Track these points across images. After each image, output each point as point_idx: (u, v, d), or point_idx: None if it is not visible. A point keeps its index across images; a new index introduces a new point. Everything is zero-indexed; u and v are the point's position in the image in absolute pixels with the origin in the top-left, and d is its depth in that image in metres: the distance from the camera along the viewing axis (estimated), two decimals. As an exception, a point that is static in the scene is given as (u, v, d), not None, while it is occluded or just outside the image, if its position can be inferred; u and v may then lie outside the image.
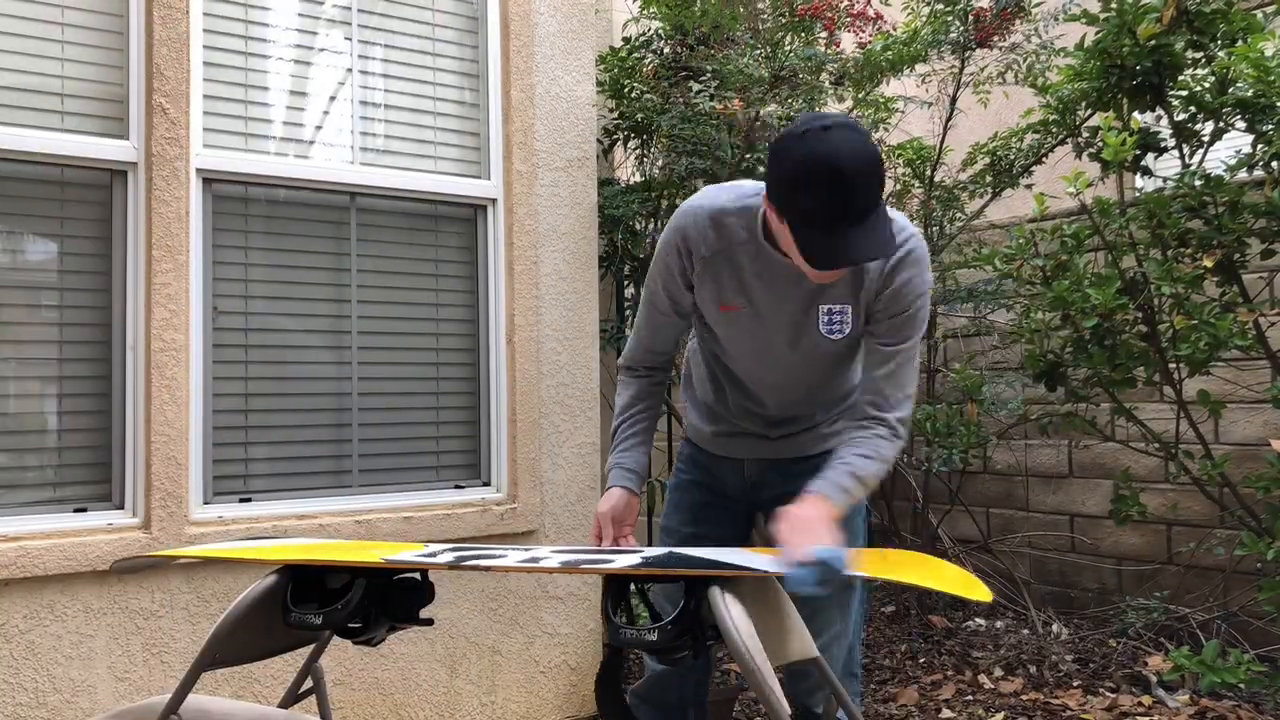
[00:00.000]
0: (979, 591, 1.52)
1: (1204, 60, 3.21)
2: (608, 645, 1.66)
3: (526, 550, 1.92)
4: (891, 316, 1.84)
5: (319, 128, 3.12)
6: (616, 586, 1.60)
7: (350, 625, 1.82)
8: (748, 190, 1.90)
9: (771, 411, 2.07)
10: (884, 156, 4.52)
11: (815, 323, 1.89)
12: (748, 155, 3.99)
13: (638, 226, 4.14)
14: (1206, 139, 3.27)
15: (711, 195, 1.92)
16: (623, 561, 1.62)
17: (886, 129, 4.41)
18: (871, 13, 4.04)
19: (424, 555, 1.84)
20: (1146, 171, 3.38)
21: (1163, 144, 3.32)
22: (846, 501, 1.74)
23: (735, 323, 1.94)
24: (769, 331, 1.93)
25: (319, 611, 1.75)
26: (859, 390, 1.94)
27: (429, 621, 2.00)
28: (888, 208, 1.72)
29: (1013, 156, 4.15)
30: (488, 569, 1.70)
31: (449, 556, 1.79)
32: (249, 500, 2.94)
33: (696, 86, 3.76)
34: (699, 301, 1.97)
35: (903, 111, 4.38)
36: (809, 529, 1.55)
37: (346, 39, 3.18)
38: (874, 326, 1.87)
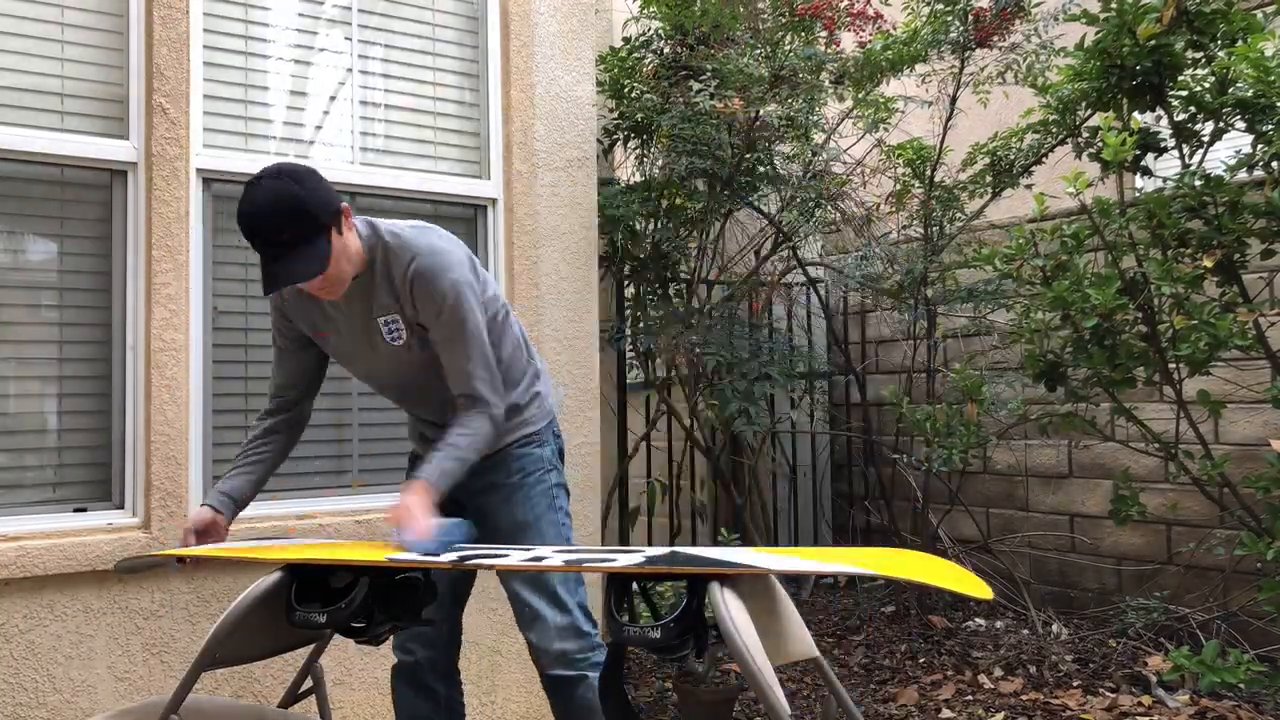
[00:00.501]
0: (979, 589, 1.52)
1: (1204, 60, 3.21)
2: (611, 643, 1.67)
3: (528, 550, 1.92)
4: (436, 318, 2.11)
5: (319, 128, 3.12)
6: (619, 585, 1.60)
7: (353, 624, 1.82)
8: None
9: (421, 419, 2.36)
10: (885, 155, 4.53)
11: (380, 333, 2.17)
12: (748, 155, 4.00)
13: (638, 226, 4.15)
14: (1206, 139, 3.27)
15: None
16: (625, 560, 1.63)
17: (886, 129, 4.41)
18: (871, 12, 4.05)
19: (426, 555, 1.84)
20: (1146, 171, 3.38)
21: (1163, 144, 3.32)
22: (452, 479, 2.05)
23: (330, 345, 2.25)
24: (354, 346, 2.22)
25: (323, 610, 1.76)
26: (450, 384, 2.17)
27: (431, 621, 2.00)
28: (404, 225, 2.14)
29: (1013, 156, 4.15)
30: (491, 568, 1.70)
31: (452, 556, 1.80)
32: (249, 500, 2.94)
33: (697, 86, 3.77)
34: (303, 330, 2.25)
35: (903, 111, 4.38)
36: (410, 514, 1.92)
37: (346, 39, 3.18)
38: (433, 333, 2.13)
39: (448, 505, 2.26)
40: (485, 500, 2.27)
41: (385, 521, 1.94)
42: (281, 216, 1.93)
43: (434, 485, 2.00)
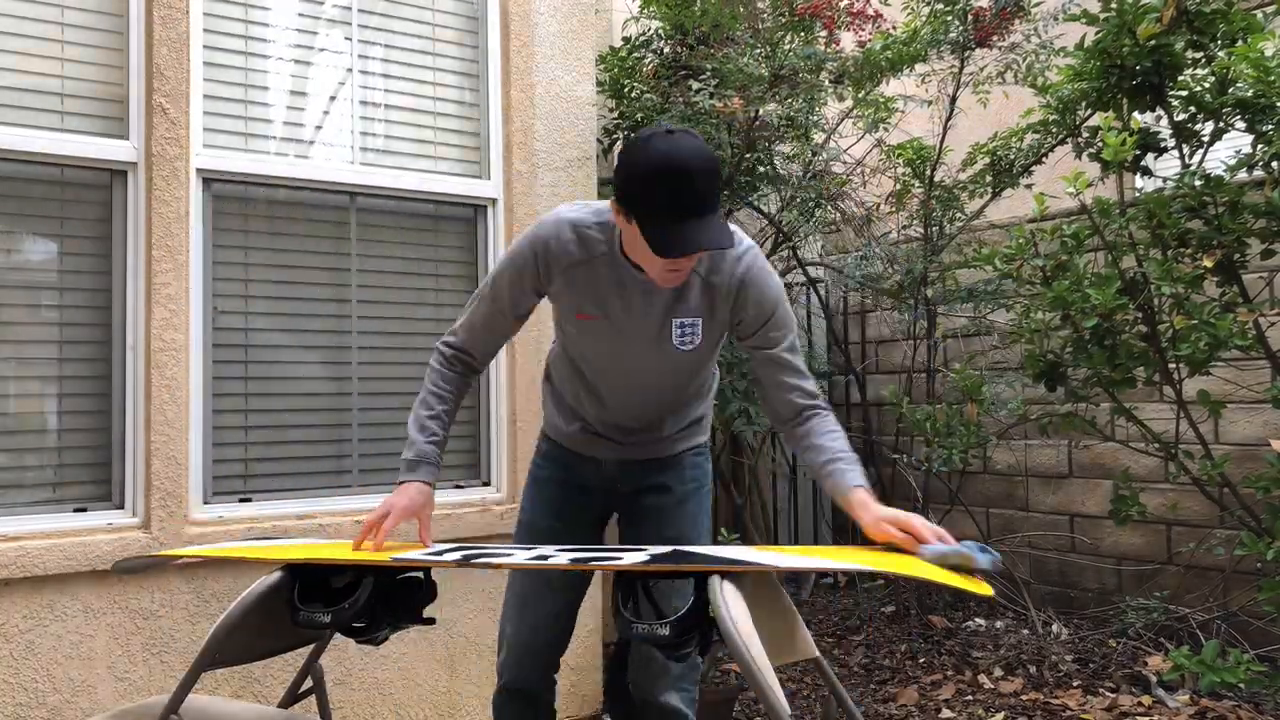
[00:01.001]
0: (980, 586, 1.53)
1: (1204, 60, 3.21)
2: (617, 640, 1.68)
3: (531, 549, 1.92)
4: (764, 324, 1.98)
5: (319, 128, 3.12)
6: (626, 582, 1.61)
7: (354, 624, 1.82)
8: (605, 208, 1.99)
9: (625, 419, 2.18)
10: (885, 155, 4.54)
11: (669, 335, 2.00)
12: (748, 155, 3.99)
13: (638, 226, 4.13)
14: (1206, 139, 3.27)
15: (572, 209, 2.02)
16: (631, 559, 1.63)
17: (886, 129, 4.41)
18: (871, 11, 4.04)
19: (430, 554, 1.84)
20: (1146, 171, 3.38)
21: (1163, 144, 3.32)
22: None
23: (591, 332, 2.04)
24: (624, 342, 2.03)
25: (327, 610, 1.76)
26: (784, 399, 2.02)
27: (431, 620, 2.00)
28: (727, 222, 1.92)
29: (1013, 156, 4.15)
30: (498, 567, 1.70)
31: (457, 555, 1.80)
32: (249, 500, 2.94)
33: (696, 85, 3.76)
34: (558, 309, 2.07)
35: (903, 111, 4.38)
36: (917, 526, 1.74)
37: (346, 39, 3.18)
38: (755, 339, 2.00)
39: (601, 498, 2.25)
40: (654, 500, 2.20)
41: (903, 542, 1.74)
42: (710, 174, 1.74)
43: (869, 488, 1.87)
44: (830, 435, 1.95)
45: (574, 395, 2.21)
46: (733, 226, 1.92)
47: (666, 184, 1.72)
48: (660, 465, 2.21)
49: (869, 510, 1.81)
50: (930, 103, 4.30)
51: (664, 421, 2.20)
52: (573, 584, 2.24)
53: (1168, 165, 3.45)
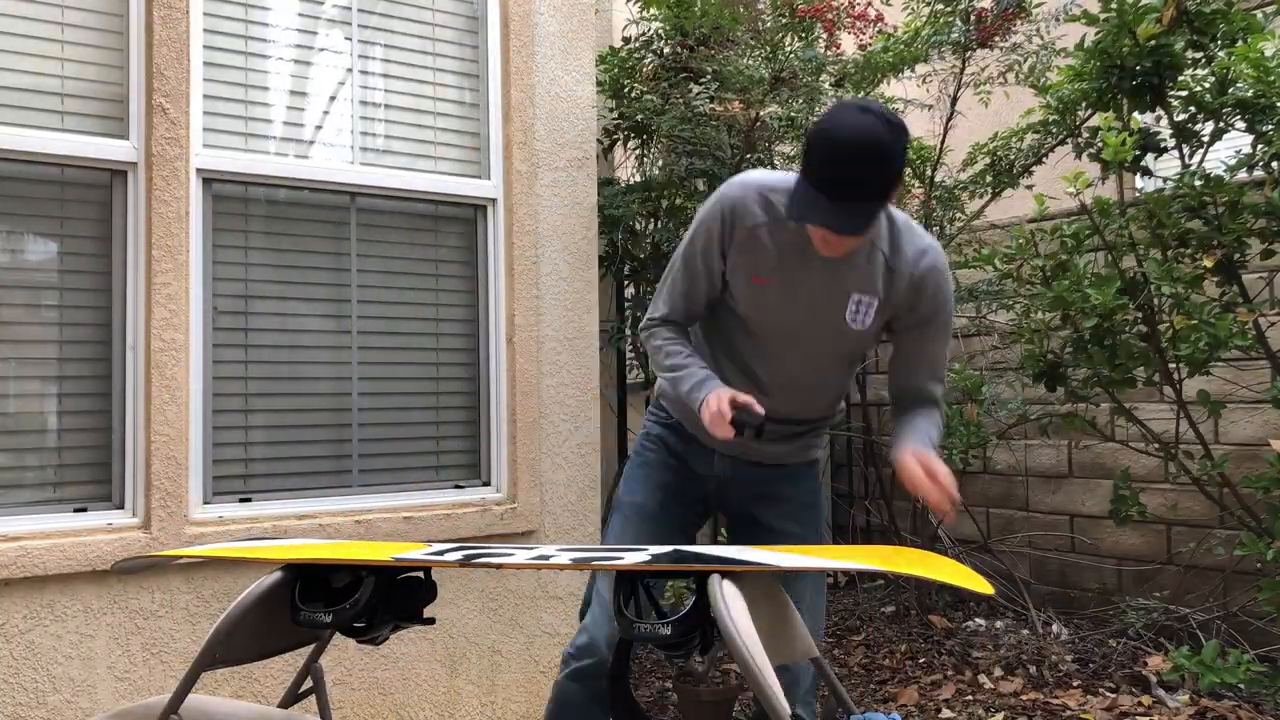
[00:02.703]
0: (981, 585, 1.53)
1: (1204, 60, 3.21)
2: (619, 641, 1.67)
3: (532, 549, 1.93)
4: (934, 318, 2.04)
5: (319, 128, 3.12)
6: (627, 582, 1.61)
7: (355, 624, 1.82)
8: (794, 177, 1.98)
9: (769, 405, 2.10)
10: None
11: (842, 309, 2.00)
12: (748, 156, 4.00)
13: (638, 226, 4.15)
14: (1206, 139, 3.27)
15: (761, 174, 2.04)
16: (632, 558, 1.63)
17: (886, 129, 4.41)
18: (872, 14, 4.05)
19: (431, 554, 1.84)
20: (1146, 172, 3.38)
21: (1163, 144, 3.32)
22: (934, 448, 1.99)
23: (764, 295, 2.02)
24: (797, 308, 2.01)
25: (328, 610, 1.76)
26: (913, 385, 2.11)
27: (431, 620, 2.00)
28: (911, 222, 2.02)
29: (1013, 156, 4.15)
30: (499, 566, 1.71)
31: (458, 555, 1.80)
32: (249, 500, 2.94)
33: (696, 88, 3.77)
34: (730, 272, 2.04)
35: (903, 111, 4.38)
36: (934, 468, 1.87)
37: (346, 39, 3.18)
38: (913, 331, 2.06)
39: (701, 495, 2.25)
40: (761, 507, 2.20)
41: (912, 486, 1.91)
42: (876, 162, 1.75)
43: (930, 450, 1.96)
44: (922, 417, 2.05)
45: (719, 374, 2.16)
46: (918, 229, 2.03)
47: (827, 154, 1.75)
48: (776, 474, 2.20)
49: (901, 443, 1.97)
50: (930, 106, 4.30)
51: (803, 420, 2.18)
52: (682, 529, 2.22)
53: (1168, 165, 3.45)
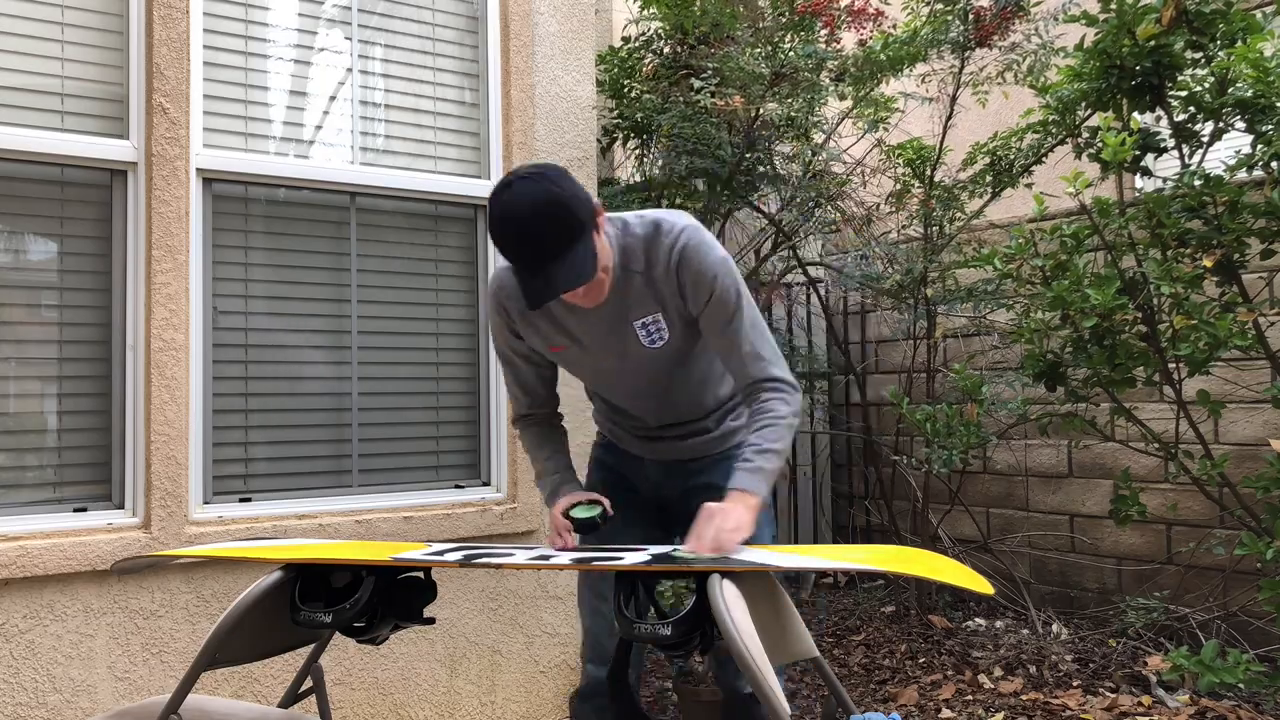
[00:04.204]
0: (981, 585, 1.53)
1: (1204, 60, 3.21)
2: (619, 641, 1.68)
3: (532, 549, 1.93)
4: (708, 304, 1.95)
5: (319, 128, 3.12)
6: (628, 582, 1.61)
7: (355, 624, 1.82)
8: None
9: (650, 421, 2.20)
10: (885, 155, 4.53)
11: (635, 339, 2.01)
12: (748, 154, 4.00)
13: (638, 226, 4.14)
14: (1206, 139, 3.27)
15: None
16: (632, 559, 1.63)
17: (886, 129, 4.41)
18: (872, 10, 4.04)
19: (431, 554, 1.84)
20: (1146, 172, 3.38)
21: (1162, 144, 3.32)
22: (767, 478, 1.88)
23: (570, 359, 2.10)
24: (597, 359, 2.07)
25: (328, 610, 1.76)
26: (737, 375, 2.01)
27: (431, 620, 2.00)
28: (652, 213, 1.98)
29: (1013, 156, 4.15)
30: (499, 566, 1.71)
31: (458, 555, 1.80)
32: (249, 500, 2.94)
33: (698, 84, 3.76)
34: (535, 348, 2.11)
35: (903, 111, 4.38)
36: (724, 522, 1.77)
37: (346, 39, 3.18)
38: (701, 320, 1.98)
39: (651, 499, 2.28)
40: (698, 500, 2.20)
41: (693, 537, 1.78)
42: (543, 220, 1.74)
43: (750, 490, 1.85)
44: (755, 423, 1.93)
45: (604, 408, 2.29)
46: (664, 215, 1.97)
47: (507, 239, 1.77)
48: (704, 465, 2.20)
49: (716, 505, 1.83)
50: (930, 99, 4.30)
51: (695, 418, 2.19)
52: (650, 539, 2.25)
53: (1168, 165, 3.45)
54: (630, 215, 2.00)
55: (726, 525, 1.77)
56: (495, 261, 3.36)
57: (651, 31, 4.15)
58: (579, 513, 2.02)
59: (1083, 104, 3.54)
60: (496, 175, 3.37)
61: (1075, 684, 3.62)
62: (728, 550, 1.74)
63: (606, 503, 2.04)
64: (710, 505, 1.82)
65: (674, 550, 1.84)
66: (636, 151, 4.24)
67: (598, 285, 1.90)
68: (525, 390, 2.17)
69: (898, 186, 4.53)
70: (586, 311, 1.99)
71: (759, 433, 1.92)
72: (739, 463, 1.90)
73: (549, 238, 1.75)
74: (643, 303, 1.98)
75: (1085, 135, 3.55)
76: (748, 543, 1.83)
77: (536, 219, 1.74)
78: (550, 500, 2.12)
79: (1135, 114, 3.35)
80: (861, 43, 4.01)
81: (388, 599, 1.84)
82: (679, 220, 1.97)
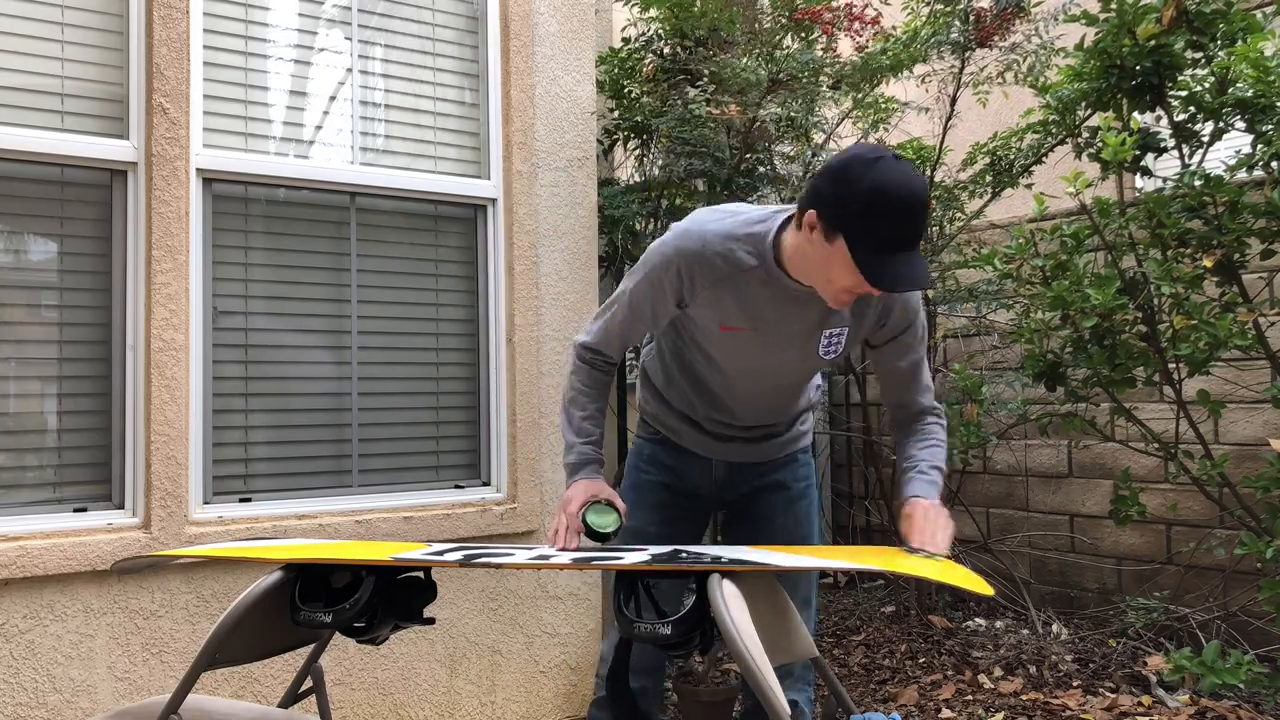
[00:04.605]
0: (981, 586, 1.53)
1: (1204, 60, 3.21)
2: (619, 640, 1.68)
3: (532, 549, 1.93)
4: (902, 335, 2.00)
5: (319, 128, 3.12)
6: (628, 582, 1.61)
7: (355, 624, 1.82)
8: (753, 217, 1.93)
9: (742, 420, 2.18)
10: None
11: (816, 345, 1.99)
12: (747, 155, 4.00)
13: (638, 226, 4.15)
14: (1206, 139, 3.27)
15: (718, 221, 1.93)
16: (633, 558, 1.63)
17: (886, 129, 4.41)
18: (869, 15, 4.04)
19: (431, 554, 1.84)
20: (1146, 171, 3.38)
21: (1162, 144, 3.32)
22: (939, 490, 1.96)
23: (735, 341, 2.00)
24: (771, 353, 2.00)
25: (328, 610, 1.76)
26: (903, 402, 2.07)
27: (431, 620, 2.00)
28: None
29: (1013, 156, 4.15)
30: (500, 566, 1.71)
31: (458, 555, 1.80)
32: (249, 500, 2.94)
33: (693, 91, 3.76)
34: (697, 319, 2.00)
35: (902, 112, 4.38)
36: (934, 523, 1.82)
37: (346, 39, 3.18)
38: (889, 347, 2.01)
39: (713, 500, 2.27)
40: (763, 501, 2.21)
41: (916, 542, 1.83)
42: (925, 203, 1.69)
43: (933, 499, 1.91)
44: (922, 443, 2.01)
45: (685, 400, 2.18)
46: None
47: (897, 215, 1.66)
48: (770, 468, 2.22)
49: (909, 487, 1.93)
50: (927, 109, 4.30)
51: (779, 422, 2.20)
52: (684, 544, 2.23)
53: (1168, 165, 3.45)
54: None
55: (943, 523, 1.83)
56: (493, 259, 3.36)
57: (651, 32, 4.15)
58: (596, 520, 1.93)
59: (1083, 104, 3.54)
60: (496, 175, 3.37)
61: (1075, 684, 3.62)
62: (944, 544, 1.81)
63: (622, 507, 1.97)
64: (923, 503, 1.88)
65: (904, 549, 1.83)
66: (637, 152, 4.24)
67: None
68: (623, 340, 2.07)
69: (898, 186, 4.52)
70: (791, 307, 1.93)
71: (929, 451, 2.00)
72: (916, 474, 1.97)
73: (925, 222, 1.70)
74: (843, 313, 1.96)
75: (1085, 135, 3.55)
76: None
77: (926, 205, 1.68)
78: (571, 472, 2.03)
79: (1135, 114, 3.35)
80: (859, 48, 4.01)
81: (388, 599, 1.84)
82: None
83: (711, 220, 1.94)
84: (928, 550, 1.77)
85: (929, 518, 1.84)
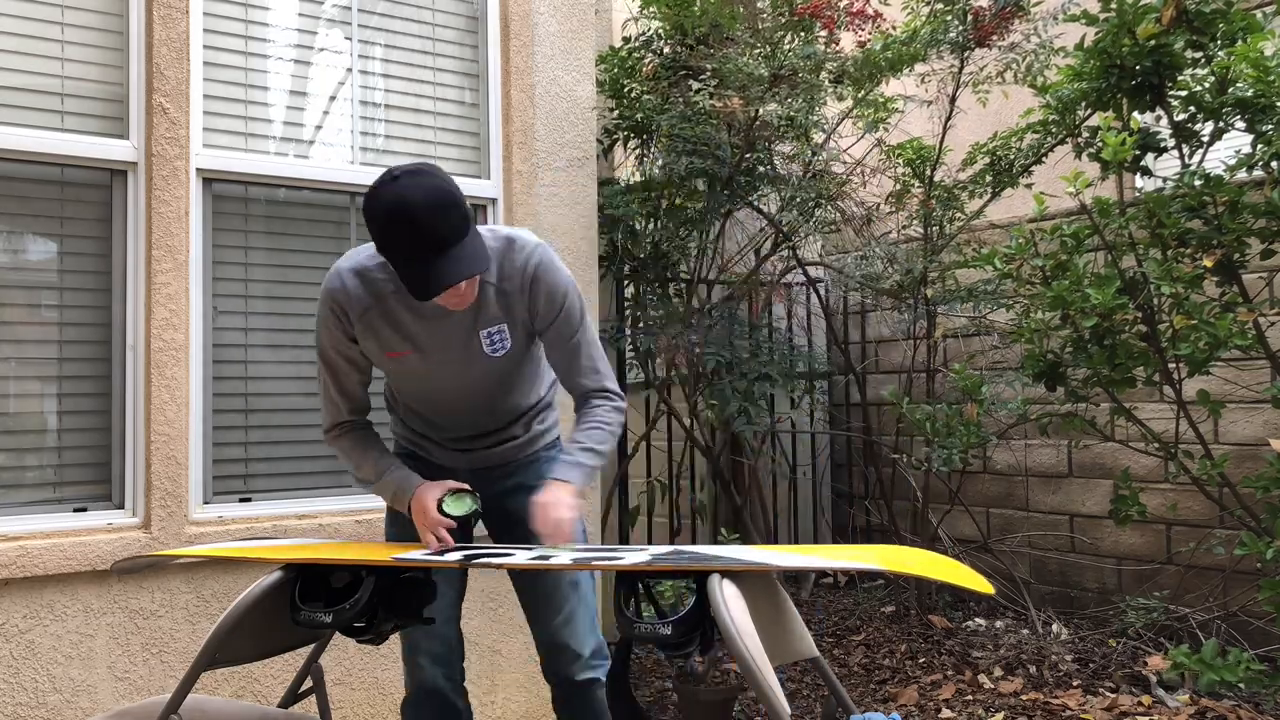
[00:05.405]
0: (981, 584, 1.53)
1: (1204, 60, 3.21)
2: (620, 641, 1.68)
3: (532, 549, 1.93)
4: (556, 318, 2.06)
5: (319, 128, 3.12)
6: (628, 583, 1.61)
7: (355, 624, 1.82)
8: (373, 250, 2.04)
9: (467, 431, 2.23)
10: (885, 155, 4.53)
11: (480, 347, 2.06)
12: (747, 155, 4.00)
13: (638, 226, 4.15)
14: (1206, 139, 3.27)
15: (351, 257, 2.06)
16: (633, 558, 1.63)
17: (886, 129, 4.41)
18: (871, 11, 4.04)
19: (430, 554, 1.84)
20: (1146, 171, 3.38)
21: (1162, 144, 3.32)
22: (588, 473, 2.02)
23: (406, 365, 2.08)
24: (440, 365, 2.08)
25: (328, 610, 1.76)
26: (570, 385, 2.13)
27: (431, 620, 2.00)
28: (504, 228, 2.06)
29: (1012, 156, 4.15)
30: (499, 566, 1.71)
31: (458, 555, 1.80)
32: (249, 500, 2.94)
33: (696, 85, 3.76)
34: (367, 353, 2.09)
35: (902, 111, 4.38)
36: (556, 508, 1.89)
37: (346, 39, 3.18)
38: (547, 333, 2.08)
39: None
40: (514, 501, 2.22)
41: (537, 525, 1.90)
42: (436, 211, 1.76)
43: (572, 480, 1.97)
44: (582, 424, 2.06)
45: (415, 420, 2.25)
46: (516, 231, 2.06)
47: (398, 230, 1.77)
48: (516, 468, 2.25)
49: (540, 495, 1.94)
50: (930, 102, 4.30)
51: (503, 426, 2.23)
52: (454, 582, 2.28)
53: (1168, 165, 3.45)
54: (481, 228, 2.04)
55: (559, 512, 1.89)
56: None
57: (651, 31, 4.15)
58: (455, 507, 1.98)
59: (1083, 104, 3.54)
60: (496, 175, 3.37)
61: (1075, 684, 3.62)
62: (568, 531, 1.89)
63: (472, 490, 2.03)
64: (536, 499, 1.92)
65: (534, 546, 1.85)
66: (637, 152, 4.24)
67: (471, 286, 1.93)
68: (346, 396, 2.12)
69: (898, 186, 4.53)
70: (436, 319, 2.02)
71: (585, 433, 2.05)
72: (562, 456, 2.03)
73: (442, 229, 1.77)
74: (492, 313, 2.04)
75: (1085, 135, 3.55)
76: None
77: (429, 210, 1.76)
78: (401, 496, 2.05)
79: (1135, 114, 3.35)
80: (861, 44, 4.01)
81: (388, 599, 1.84)
82: (531, 238, 2.06)
83: (346, 258, 2.06)
84: (552, 541, 1.86)
85: (550, 503, 1.90)
